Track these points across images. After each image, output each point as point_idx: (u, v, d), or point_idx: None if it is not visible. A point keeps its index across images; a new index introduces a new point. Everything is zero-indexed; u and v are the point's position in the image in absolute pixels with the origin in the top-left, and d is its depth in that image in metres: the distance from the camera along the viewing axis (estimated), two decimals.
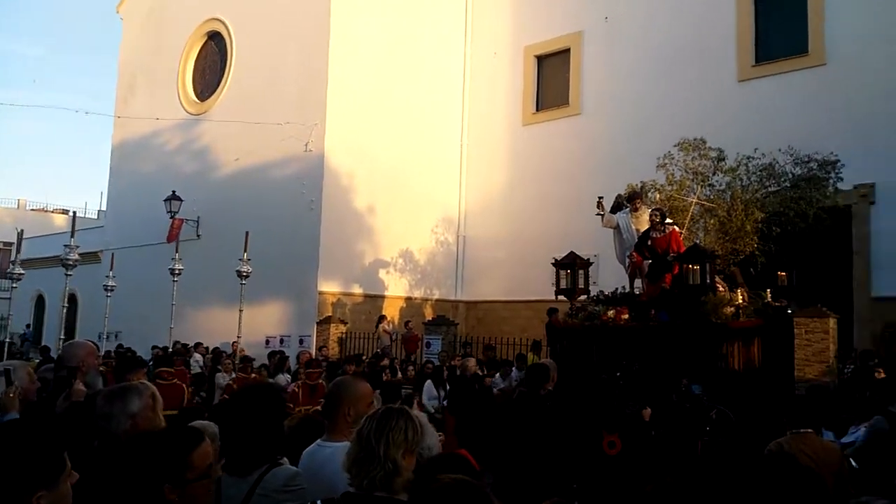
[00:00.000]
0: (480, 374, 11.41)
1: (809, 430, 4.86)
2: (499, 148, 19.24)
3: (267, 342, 16.34)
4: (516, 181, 18.60)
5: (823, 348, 9.58)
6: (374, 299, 17.45)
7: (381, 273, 17.66)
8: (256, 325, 16.42)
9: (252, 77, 18.69)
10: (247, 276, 8.56)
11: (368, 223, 17.41)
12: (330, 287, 16.68)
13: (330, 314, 16.27)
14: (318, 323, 16.08)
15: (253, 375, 10.19)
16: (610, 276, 11.01)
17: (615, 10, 17.37)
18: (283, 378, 11.53)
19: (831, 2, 14.32)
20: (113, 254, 12.10)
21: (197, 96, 21.01)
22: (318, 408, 5.29)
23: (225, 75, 19.85)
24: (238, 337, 9.28)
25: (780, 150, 11.60)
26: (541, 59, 19.13)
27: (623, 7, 17.24)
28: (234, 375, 9.86)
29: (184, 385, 7.79)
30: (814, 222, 11.03)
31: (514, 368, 11.41)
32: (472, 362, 10.41)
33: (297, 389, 7.91)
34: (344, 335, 15.87)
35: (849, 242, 13.73)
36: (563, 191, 16.29)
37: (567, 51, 18.37)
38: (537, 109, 19.01)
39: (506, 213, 18.64)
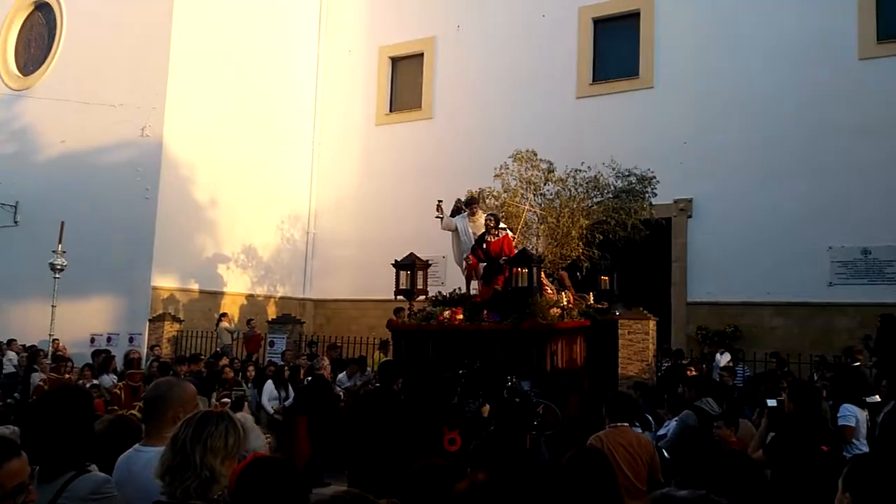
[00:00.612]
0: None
1: (625, 424, 5.26)
2: (351, 146, 19.14)
3: (92, 340, 15.19)
4: (368, 180, 18.59)
5: (644, 348, 10.36)
6: (214, 296, 16.71)
7: (222, 269, 16.95)
8: (82, 321, 15.26)
9: (84, 53, 17.26)
10: (61, 270, 7.86)
11: (209, 216, 16.64)
12: (165, 282, 15.76)
13: (165, 311, 15.37)
14: (150, 320, 15.13)
15: (67, 376, 9.42)
16: (458, 277, 11.28)
17: (467, 19, 17.87)
18: (108, 379, 10.82)
19: (661, 32, 15.61)
20: None
21: (19, 70, 19.12)
22: (134, 411, 4.97)
23: (53, 49, 18.20)
24: (50, 334, 8.52)
25: (603, 163, 12.42)
26: (395, 61, 19.26)
27: (475, 17, 17.76)
28: (43, 376, 9.07)
29: None
30: (632, 231, 11.91)
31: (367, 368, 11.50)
32: (326, 361, 10.41)
33: (118, 391, 7.42)
34: (179, 333, 15.04)
35: (669, 251, 15.02)
36: (414, 192, 16.47)
37: (421, 55, 18.63)
38: (391, 110, 19.11)
39: (357, 212, 18.57)
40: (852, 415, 6.45)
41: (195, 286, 16.40)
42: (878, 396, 7.98)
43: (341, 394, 10.40)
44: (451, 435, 5.65)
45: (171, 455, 2.29)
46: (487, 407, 6.60)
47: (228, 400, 5.05)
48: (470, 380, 7.44)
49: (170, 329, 14.91)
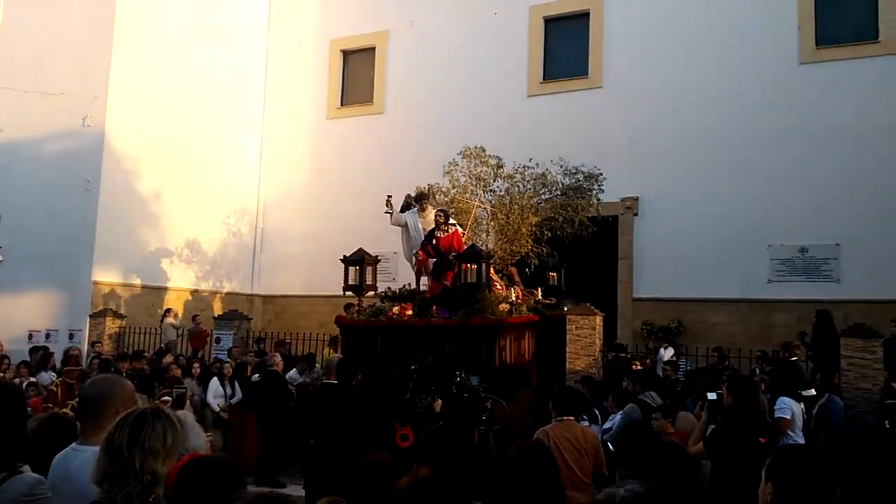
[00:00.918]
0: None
1: (571, 418, 5.34)
2: (301, 140, 18.92)
3: (30, 336, 14.65)
4: (318, 174, 18.41)
5: (591, 343, 10.51)
6: (157, 291, 16.30)
7: (166, 263, 16.54)
8: (20, 317, 14.74)
9: (24, 40, 16.57)
10: None
11: (153, 209, 16.22)
12: (106, 277, 15.30)
13: (106, 307, 14.93)
14: (91, 316, 14.68)
15: (1, 374, 9.09)
16: (409, 273, 11.25)
17: (420, 14, 17.83)
18: (46, 376, 10.47)
19: (610, 34, 15.86)
20: None
21: None
22: (66, 409, 4.81)
23: None
24: None
25: (552, 161, 12.57)
26: (347, 54, 19.10)
27: (428, 13, 17.75)
28: None
29: None
30: (579, 228, 12.07)
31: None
32: (278, 357, 10.31)
33: (55, 388, 7.19)
34: (121, 330, 14.64)
35: (616, 249, 15.30)
36: (365, 187, 16.36)
37: (373, 49, 18.52)
38: (342, 104, 18.95)
39: (307, 207, 18.37)
40: (788, 407, 6.69)
41: (138, 281, 15.98)
42: (813, 390, 8.29)
43: (294, 391, 10.29)
44: (403, 431, 5.65)
45: (107, 460, 2.20)
46: (440, 402, 6.62)
47: (169, 398, 4.91)
48: (422, 375, 7.43)
49: (111, 325, 14.49)
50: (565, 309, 11.61)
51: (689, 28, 15.12)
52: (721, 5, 14.91)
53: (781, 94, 14.23)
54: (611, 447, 6.50)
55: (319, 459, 5.95)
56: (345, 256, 10.45)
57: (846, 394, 9.04)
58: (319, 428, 6.19)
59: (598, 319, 10.70)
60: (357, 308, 10.13)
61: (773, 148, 14.12)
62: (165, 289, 16.48)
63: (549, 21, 16.76)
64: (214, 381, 10.24)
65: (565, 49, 16.56)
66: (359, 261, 10.31)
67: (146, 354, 11.86)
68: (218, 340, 13.42)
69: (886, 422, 6.38)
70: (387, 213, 10.84)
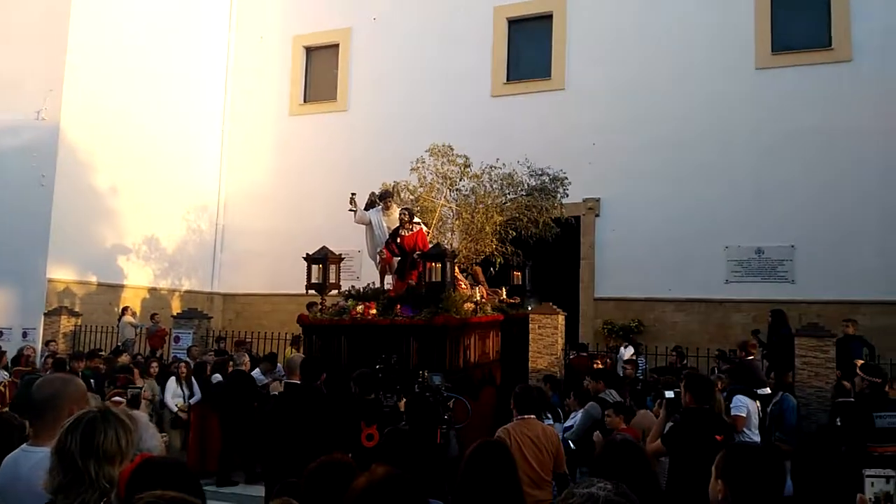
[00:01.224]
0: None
1: (532, 416, 5.38)
2: (264, 136, 18.71)
3: None
4: (281, 171, 18.22)
5: (553, 342, 10.59)
6: (114, 289, 15.95)
7: (122, 260, 16.19)
8: None
9: None
10: None
11: (110, 205, 15.85)
12: (61, 274, 14.92)
13: (61, 304, 14.57)
14: (45, 314, 14.30)
15: None
16: (374, 272, 11.17)
17: (384, 12, 17.77)
18: None
19: (572, 36, 16.02)
20: None
21: None
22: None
23: None
24: None
25: (518, 161, 12.64)
26: (310, 51, 18.94)
27: (392, 11, 17.69)
28: None
29: None
30: (543, 229, 12.16)
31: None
32: (246, 357, 10.22)
33: (3, 388, 6.99)
34: (77, 328, 14.29)
35: (578, 249, 15.46)
36: (328, 184, 16.23)
37: (336, 46, 18.39)
38: (305, 101, 18.79)
39: (269, 204, 18.17)
40: (744, 405, 6.84)
41: (94, 279, 15.61)
42: (768, 388, 8.48)
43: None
44: (368, 430, 5.60)
45: (60, 471, 2.10)
46: (405, 401, 6.60)
47: (121, 399, 4.79)
48: (387, 375, 7.39)
49: (67, 323, 14.15)
50: (529, 308, 11.69)
51: (649, 33, 15.35)
52: (681, 12, 15.17)
53: (738, 99, 14.54)
54: (572, 445, 6.56)
55: (283, 460, 5.89)
56: (307, 254, 10.31)
57: (800, 392, 9.27)
58: (284, 428, 6.11)
59: (561, 319, 10.79)
60: (320, 307, 10.01)
61: (730, 151, 14.42)
62: (122, 286, 16.14)
63: (512, 22, 16.86)
64: (172, 381, 10.05)
65: (529, 50, 16.68)
66: (322, 259, 10.17)
67: (102, 353, 11.61)
68: (177, 339, 13.18)
69: (838, 419, 6.55)
70: (350, 210, 10.76)
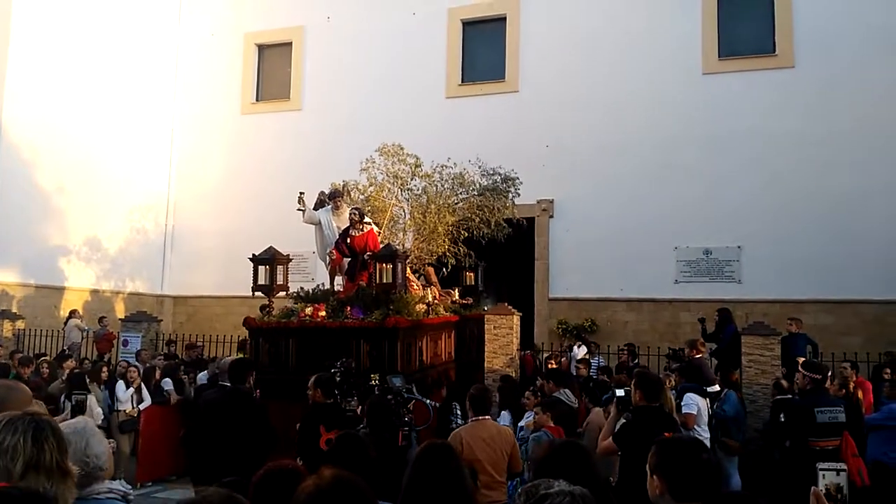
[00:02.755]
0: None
1: (487, 417, 5.42)
2: (214, 135, 18.39)
3: None
4: (233, 171, 17.93)
5: (509, 342, 10.67)
6: (57, 291, 15.47)
7: (66, 262, 15.70)
8: None
9: None
10: None
11: (54, 204, 15.36)
12: (2, 276, 14.41)
13: (6, 308, 14.07)
14: None
15: None
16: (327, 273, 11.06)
17: (337, 11, 17.65)
18: None
19: (525, 39, 16.18)
20: None
21: None
22: None
23: None
24: None
25: (469, 161, 12.69)
26: (262, 49, 18.69)
27: (345, 10, 17.59)
28: None
29: None
30: (495, 229, 12.22)
31: None
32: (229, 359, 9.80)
33: None
34: (18, 332, 13.80)
35: (532, 250, 15.61)
36: (282, 184, 15.98)
37: (289, 44, 18.19)
38: (257, 100, 18.53)
39: (221, 204, 17.86)
40: (694, 403, 7.00)
41: (36, 281, 15.11)
42: (717, 386, 8.69)
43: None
44: (328, 436, 5.50)
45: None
46: (366, 404, 6.53)
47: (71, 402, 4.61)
48: (345, 379, 7.28)
49: (9, 327, 13.67)
50: (485, 309, 11.73)
51: (601, 38, 15.60)
52: (631, 18, 15.46)
53: (687, 103, 14.90)
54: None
55: (212, 465, 5.68)
56: (254, 255, 9.96)
57: (747, 389, 9.53)
58: (213, 432, 5.91)
59: (516, 319, 10.86)
60: (268, 309, 9.71)
61: (679, 153, 14.75)
62: (67, 289, 15.68)
63: (467, 24, 16.93)
64: (121, 385, 9.80)
65: (483, 52, 16.78)
66: (269, 259, 9.83)
67: (47, 359, 11.24)
68: (125, 343, 12.84)
69: (781, 416, 6.76)
70: (299, 210, 10.56)
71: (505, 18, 16.47)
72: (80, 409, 5.82)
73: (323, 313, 9.08)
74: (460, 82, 16.72)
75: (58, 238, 15.53)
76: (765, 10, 14.91)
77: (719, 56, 15.00)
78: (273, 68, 18.53)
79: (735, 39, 15.04)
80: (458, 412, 7.25)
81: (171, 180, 18.45)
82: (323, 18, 17.77)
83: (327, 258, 10.26)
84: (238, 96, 18.46)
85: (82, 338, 13.80)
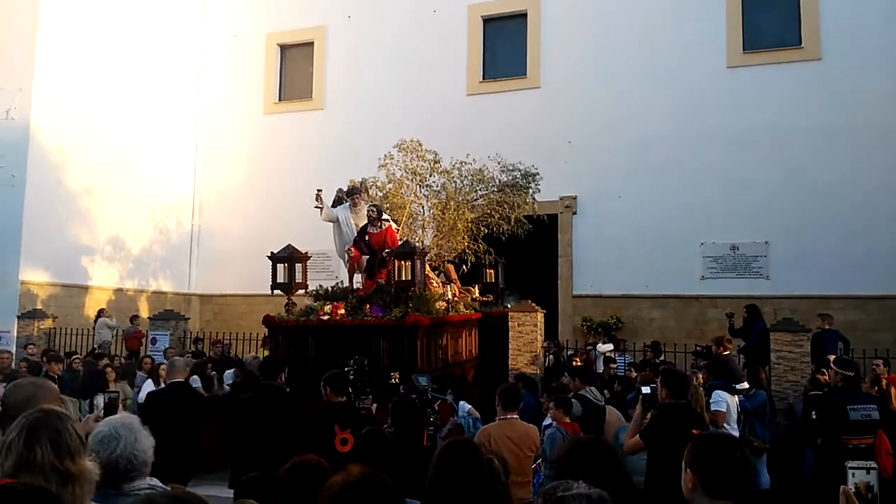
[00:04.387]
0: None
1: (515, 416, 5.40)
2: (238, 135, 18.55)
3: None
4: (257, 170, 18.08)
5: (532, 339, 10.64)
6: (88, 290, 15.70)
7: (97, 262, 15.94)
8: None
9: None
10: None
11: (83, 205, 15.60)
12: (35, 276, 14.66)
13: (37, 307, 14.30)
14: (19, 317, 14.04)
15: None
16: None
17: (359, 10, 17.70)
18: None
19: (547, 35, 16.10)
20: None
21: None
22: None
23: None
24: None
25: (489, 157, 12.57)
26: (284, 49, 18.81)
27: (366, 8, 17.64)
28: None
29: None
30: (515, 225, 12.14)
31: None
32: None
33: None
34: (51, 330, 14.05)
35: (556, 247, 15.54)
36: (306, 183, 16.03)
37: (311, 44, 18.28)
38: (280, 99, 18.66)
39: (246, 203, 18.02)
40: (723, 400, 6.92)
41: (68, 280, 15.36)
42: (746, 383, 8.58)
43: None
44: (343, 434, 5.50)
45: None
46: (391, 403, 6.52)
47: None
48: (359, 377, 7.26)
49: (41, 326, 13.91)
50: (507, 306, 11.68)
51: (622, 32, 15.47)
52: (653, 11, 15.32)
53: (711, 97, 14.73)
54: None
55: (247, 460, 5.76)
56: (272, 253, 9.94)
57: (776, 386, 9.41)
58: (249, 429, 6.00)
59: (540, 316, 10.82)
60: (288, 307, 9.66)
61: (704, 148, 14.59)
62: (96, 288, 15.91)
63: (487, 21, 16.88)
64: (149, 383, 9.91)
65: (504, 49, 16.73)
66: (287, 257, 9.80)
67: (78, 357, 11.41)
68: (154, 341, 13.01)
69: (813, 413, 6.66)
70: (317, 207, 10.48)
71: (525, 14, 16.40)
72: (112, 407, 5.88)
73: (342, 311, 9.00)
74: (481, 79, 16.68)
75: (85, 238, 15.75)
76: (790, 1, 14.68)
77: (744, 49, 14.80)
78: (295, 68, 18.63)
79: (760, 32, 14.83)
80: (457, 409, 7.20)
81: (195, 180, 18.64)
82: (344, 18, 17.83)
83: (345, 256, 10.14)
84: (261, 96, 18.60)
85: (112, 336, 14.00)
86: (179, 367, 6.91)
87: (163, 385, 9.83)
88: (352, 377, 6.93)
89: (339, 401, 5.77)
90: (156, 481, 2.57)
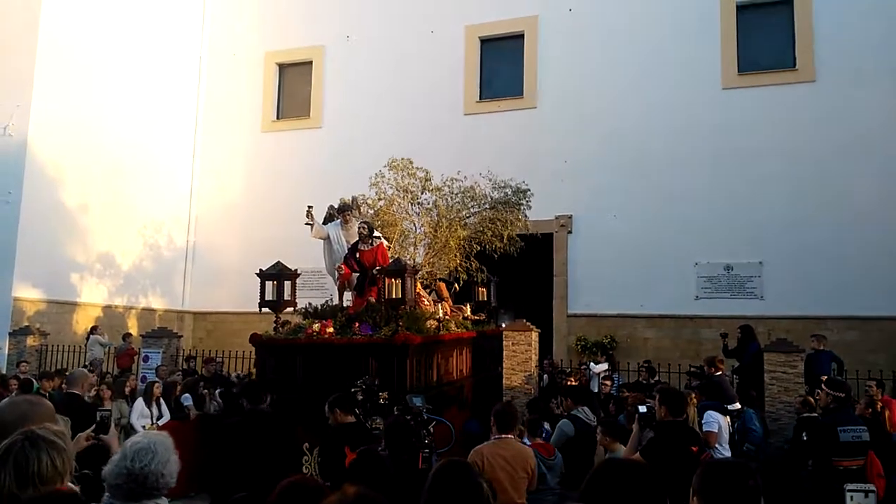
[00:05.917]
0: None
1: (510, 436, 5.38)
2: (236, 153, 18.61)
3: None
4: (254, 188, 18.11)
5: (527, 359, 10.58)
6: (80, 307, 15.64)
7: (89, 278, 15.89)
8: None
9: None
10: None
11: (79, 222, 15.61)
12: (28, 293, 14.61)
13: (27, 324, 14.25)
14: (11, 334, 13.97)
15: None
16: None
17: (357, 30, 17.85)
18: None
19: (543, 56, 16.24)
20: None
21: None
22: None
23: None
24: None
25: (480, 174, 12.60)
26: (283, 68, 18.93)
27: (365, 29, 17.78)
28: None
29: None
30: (508, 243, 12.13)
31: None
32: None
33: None
34: (42, 347, 13.98)
35: (551, 266, 15.57)
36: (302, 201, 15.98)
37: (310, 63, 18.41)
38: (278, 118, 18.74)
39: (241, 220, 18.03)
40: (715, 421, 6.91)
41: (59, 297, 15.31)
42: (738, 404, 8.58)
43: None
44: (353, 456, 5.42)
45: None
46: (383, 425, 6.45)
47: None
48: (368, 397, 7.14)
49: (33, 343, 13.84)
50: (502, 325, 11.64)
51: (618, 53, 15.62)
52: (649, 33, 15.47)
53: (706, 118, 14.84)
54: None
55: (230, 486, 5.67)
56: (261, 270, 9.78)
57: (769, 407, 9.39)
58: (236, 453, 5.92)
59: (535, 335, 10.77)
60: (277, 325, 9.47)
61: (698, 168, 14.68)
62: (89, 305, 15.85)
63: (484, 41, 17.04)
64: (140, 402, 9.85)
65: (501, 69, 16.86)
66: (276, 275, 9.63)
67: (68, 373, 11.34)
68: (146, 359, 12.94)
69: (804, 434, 6.66)
70: (307, 224, 10.39)
71: (523, 36, 16.56)
72: (104, 425, 5.78)
73: (331, 329, 8.78)
74: (478, 99, 16.81)
75: (80, 255, 15.73)
76: (785, 24, 14.86)
77: (739, 71, 14.95)
78: (294, 87, 18.74)
79: (755, 54, 14.99)
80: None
81: (192, 197, 18.66)
82: (343, 38, 17.98)
83: (336, 273, 10.00)
84: (259, 114, 18.68)
85: (104, 353, 13.94)
86: (78, 379, 6.51)
87: (153, 404, 9.84)
88: (360, 398, 6.82)
89: (349, 421, 5.68)
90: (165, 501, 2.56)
